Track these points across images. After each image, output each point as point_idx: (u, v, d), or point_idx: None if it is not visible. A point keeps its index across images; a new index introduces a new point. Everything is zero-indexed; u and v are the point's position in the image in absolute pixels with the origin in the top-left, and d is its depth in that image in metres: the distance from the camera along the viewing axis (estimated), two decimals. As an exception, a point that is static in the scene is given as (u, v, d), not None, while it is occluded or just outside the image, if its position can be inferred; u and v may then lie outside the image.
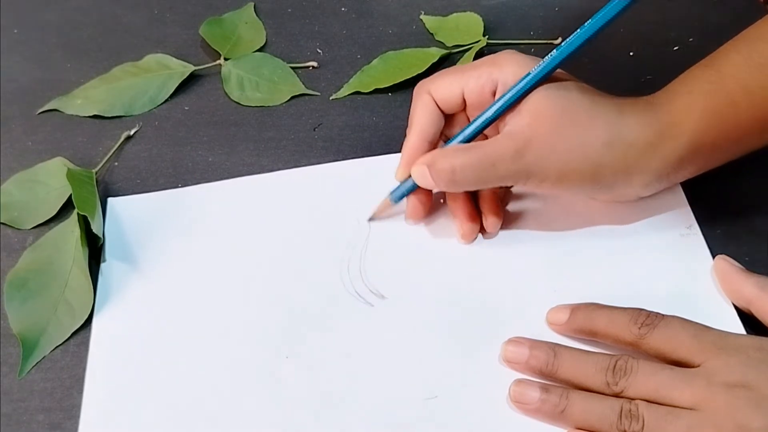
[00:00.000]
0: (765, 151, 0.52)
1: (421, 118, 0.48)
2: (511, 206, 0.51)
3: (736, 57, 0.44)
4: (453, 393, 0.44)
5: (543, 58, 0.45)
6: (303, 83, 0.60)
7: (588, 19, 0.43)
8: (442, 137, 0.49)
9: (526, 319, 0.46)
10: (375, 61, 0.60)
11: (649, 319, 0.42)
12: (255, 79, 0.60)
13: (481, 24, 0.61)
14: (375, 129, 0.57)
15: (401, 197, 0.49)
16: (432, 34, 0.62)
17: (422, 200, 0.49)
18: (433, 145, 0.48)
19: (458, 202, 0.49)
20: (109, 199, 0.54)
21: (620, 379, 0.41)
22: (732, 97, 0.44)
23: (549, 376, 0.43)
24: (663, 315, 0.42)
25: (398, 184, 0.49)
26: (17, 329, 0.48)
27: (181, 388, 0.45)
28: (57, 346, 0.47)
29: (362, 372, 0.45)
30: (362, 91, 0.59)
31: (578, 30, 0.44)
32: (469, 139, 0.47)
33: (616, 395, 0.41)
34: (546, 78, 0.44)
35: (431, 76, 0.49)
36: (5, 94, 0.61)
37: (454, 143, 0.47)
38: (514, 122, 0.45)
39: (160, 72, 0.61)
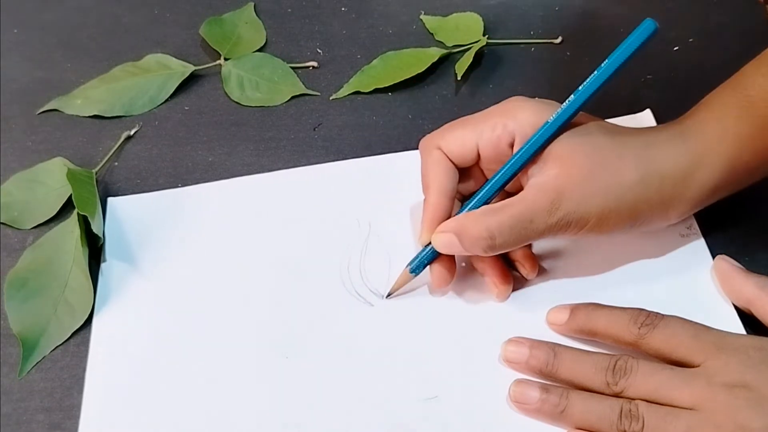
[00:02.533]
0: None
1: (438, 175, 0.45)
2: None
3: (763, 81, 0.44)
4: (453, 393, 0.44)
5: (561, 103, 0.44)
6: (303, 83, 0.60)
7: (602, 64, 0.43)
8: (457, 195, 0.47)
9: (526, 319, 0.46)
10: (375, 61, 0.60)
11: (649, 319, 0.42)
12: (255, 79, 0.60)
13: (481, 24, 0.61)
14: (375, 129, 0.56)
15: (422, 268, 0.46)
16: (432, 34, 0.62)
17: (447, 266, 0.46)
18: (452, 202, 0.46)
19: (487, 261, 0.46)
20: (109, 199, 0.54)
21: (620, 379, 0.41)
22: (763, 120, 0.43)
23: (549, 376, 0.43)
24: (663, 315, 0.42)
25: (416, 254, 0.47)
26: (17, 329, 0.48)
27: (181, 388, 0.45)
28: (57, 346, 0.47)
29: (362, 372, 0.45)
30: (362, 91, 0.59)
31: (595, 72, 0.43)
32: (493, 195, 0.45)
33: (616, 395, 0.41)
34: (566, 124, 0.43)
35: (438, 131, 0.47)
36: (5, 94, 0.61)
37: (476, 202, 0.45)
38: (540, 174, 0.43)
39: (160, 72, 0.60)
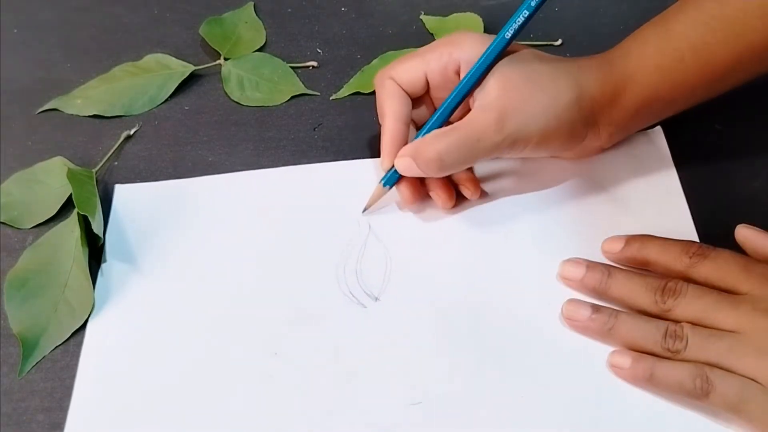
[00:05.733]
0: (765, 151, 0.52)
1: (392, 103, 0.49)
2: (507, 212, 0.50)
3: (684, 16, 0.47)
4: (437, 400, 0.43)
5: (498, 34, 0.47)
6: (303, 83, 0.60)
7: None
8: (412, 124, 0.50)
9: (518, 330, 0.45)
10: (375, 61, 0.60)
11: (701, 249, 0.44)
12: (255, 79, 0.60)
13: (481, 24, 0.61)
14: (375, 129, 0.56)
15: (394, 181, 0.50)
16: (432, 34, 0.62)
17: (413, 184, 0.50)
18: (408, 128, 0.49)
19: (434, 180, 0.50)
20: (117, 186, 0.54)
21: (668, 298, 0.42)
22: (680, 53, 0.46)
23: (602, 294, 0.45)
24: (714, 247, 0.44)
25: (386, 173, 0.50)
26: (17, 329, 0.48)
27: (173, 385, 0.45)
28: (57, 346, 0.47)
29: (348, 373, 0.45)
30: (362, 91, 0.59)
31: None
32: (445, 119, 0.48)
33: (663, 315, 0.42)
34: (505, 48, 0.47)
35: (389, 65, 0.50)
36: (5, 94, 0.61)
37: (430, 127, 0.48)
38: (483, 97, 0.46)
39: (160, 72, 0.61)
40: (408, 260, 0.49)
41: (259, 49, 0.62)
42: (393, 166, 0.49)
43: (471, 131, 0.45)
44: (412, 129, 0.51)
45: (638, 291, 0.44)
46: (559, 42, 0.60)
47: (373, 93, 0.58)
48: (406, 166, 0.47)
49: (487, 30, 0.61)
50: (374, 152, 0.55)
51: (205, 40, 0.62)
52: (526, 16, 0.47)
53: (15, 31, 0.66)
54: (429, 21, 0.63)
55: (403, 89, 0.49)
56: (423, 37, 0.62)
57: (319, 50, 0.62)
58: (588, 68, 0.47)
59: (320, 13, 0.65)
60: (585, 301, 0.45)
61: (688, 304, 0.42)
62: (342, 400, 0.44)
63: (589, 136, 0.48)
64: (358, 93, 0.59)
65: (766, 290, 0.41)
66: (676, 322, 0.42)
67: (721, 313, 0.41)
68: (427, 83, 0.49)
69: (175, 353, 0.46)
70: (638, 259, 0.46)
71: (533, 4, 0.46)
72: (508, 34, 0.46)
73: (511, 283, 0.48)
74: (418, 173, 0.47)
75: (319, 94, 0.59)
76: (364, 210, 0.51)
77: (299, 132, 0.57)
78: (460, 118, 0.47)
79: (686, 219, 0.49)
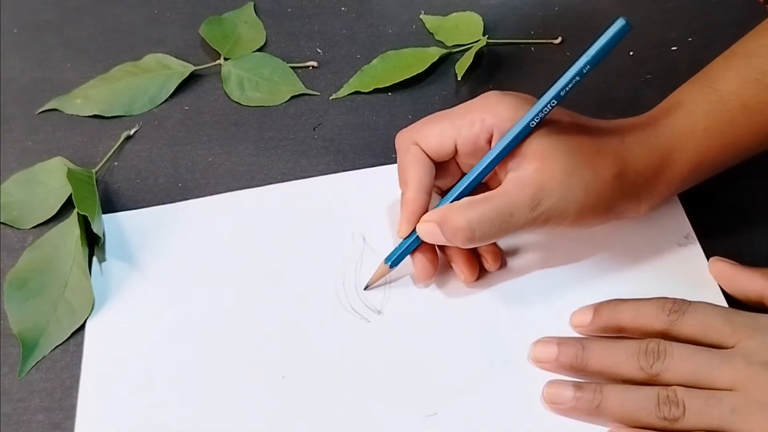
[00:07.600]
0: (764, 151, 0.52)
1: (416, 171, 0.46)
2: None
3: (733, 74, 0.45)
4: (453, 409, 0.43)
5: (536, 97, 0.43)
6: (303, 83, 0.60)
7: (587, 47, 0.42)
8: (435, 189, 0.48)
9: (525, 333, 0.45)
10: (375, 61, 0.60)
11: (677, 305, 0.42)
12: (255, 79, 0.60)
13: (481, 24, 0.61)
14: (375, 129, 0.56)
15: (400, 260, 0.47)
16: (432, 33, 0.62)
17: (430, 257, 0.47)
18: (430, 197, 0.46)
19: (455, 249, 0.47)
20: (103, 216, 0.52)
21: (654, 362, 0.40)
22: (731, 114, 0.44)
23: (580, 371, 0.42)
24: (689, 301, 0.42)
25: (393, 249, 0.47)
26: (17, 329, 0.48)
27: (174, 401, 0.45)
28: (57, 346, 0.47)
29: (360, 390, 0.44)
30: (362, 90, 0.59)
31: (571, 68, 0.42)
32: (471, 190, 0.45)
33: (652, 380, 0.40)
34: (543, 119, 0.43)
35: (415, 126, 0.47)
36: (5, 94, 0.61)
37: (459, 195, 0.45)
38: (519, 168, 0.43)
39: (160, 72, 0.61)
40: (407, 270, 0.48)
41: (259, 49, 0.62)
42: (403, 241, 0.46)
43: (504, 205, 0.42)
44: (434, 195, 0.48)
45: (619, 359, 0.41)
46: (558, 40, 0.60)
47: (374, 92, 0.58)
48: (430, 231, 0.44)
49: (488, 29, 0.61)
50: (374, 152, 0.55)
51: (205, 40, 0.62)
52: (575, 81, 0.42)
53: (15, 31, 0.66)
54: (429, 21, 0.63)
55: (428, 155, 0.46)
56: (423, 37, 0.62)
57: (319, 50, 0.62)
58: (632, 137, 0.44)
59: (320, 13, 0.65)
60: (565, 380, 0.42)
61: (678, 366, 0.40)
62: (357, 418, 0.43)
63: (628, 210, 0.45)
64: (358, 93, 0.59)
65: (755, 341, 0.39)
66: (667, 386, 0.40)
67: (714, 371, 0.39)
68: (456, 150, 0.45)
69: (176, 363, 0.46)
70: (612, 327, 0.43)
71: (584, 70, 0.42)
72: (552, 104, 0.42)
73: (516, 284, 0.47)
74: (442, 241, 0.44)
75: (319, 94, 0.59)
76: (366, 288, 0.48)
77: (299, 132, 0.57)
78: (484, 183, 0.45)
79: (682, 218, 0.49)
